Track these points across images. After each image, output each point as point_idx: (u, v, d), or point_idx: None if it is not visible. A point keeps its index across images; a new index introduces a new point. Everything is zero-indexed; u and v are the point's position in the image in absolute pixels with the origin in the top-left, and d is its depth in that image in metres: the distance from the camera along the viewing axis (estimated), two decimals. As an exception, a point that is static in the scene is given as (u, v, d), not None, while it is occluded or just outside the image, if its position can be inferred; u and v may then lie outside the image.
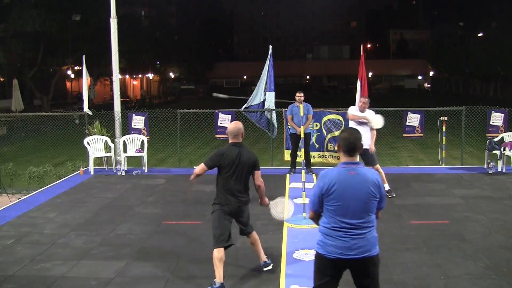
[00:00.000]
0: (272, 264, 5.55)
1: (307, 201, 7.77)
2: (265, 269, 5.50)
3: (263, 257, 5.54)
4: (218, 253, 5.05)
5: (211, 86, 75.12)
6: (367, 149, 8.71)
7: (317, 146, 11.64)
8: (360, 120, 8.77)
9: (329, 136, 11.63)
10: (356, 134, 3.78)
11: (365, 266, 3.69)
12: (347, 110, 9.22)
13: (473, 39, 57.32)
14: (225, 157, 5.13)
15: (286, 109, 11.05)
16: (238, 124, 5.34)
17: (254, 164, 5.23)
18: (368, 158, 8.77)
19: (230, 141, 5.28)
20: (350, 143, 3.71)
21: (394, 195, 8.78)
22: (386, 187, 8.74)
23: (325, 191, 3.64)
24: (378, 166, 8.76)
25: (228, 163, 5.13)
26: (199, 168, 5.18)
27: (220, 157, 5.14)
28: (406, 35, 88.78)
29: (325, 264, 3.72)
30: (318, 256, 3.77)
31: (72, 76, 41.36)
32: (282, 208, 5.89)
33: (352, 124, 8.88)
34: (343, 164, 3.72)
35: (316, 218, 3.83)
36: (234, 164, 5.14)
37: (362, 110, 8.89)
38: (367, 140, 8.64)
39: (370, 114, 8.88)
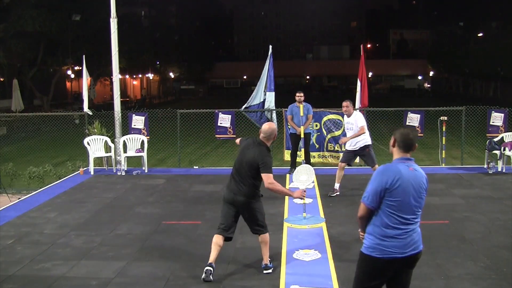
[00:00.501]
0: (272, 269, 5.54)
1: (307, 201, 7.78)
2: (264, 271, 5.51)
3: (266, 260, 5.55)
4: (216, 238, 5.39)
5: (211, 86, 75.19)
6: (366, 149, 8.72)
7: (317, 146, 11.65)
8: (347, 127, 8.87)
9: (329, 136, 11.63)
10: (415, 132, 3.80)
11: (414, 262, 3.75)
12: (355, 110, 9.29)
13: (473, 39, 57.32)
14: (243, 143, 5.43)
15: (286, 109, 11.06)
16: (272, 125, 5.40)
17: (256, 166, 5.21)
18: (368, 159, 8.79)
19: (265, 142, 5.36)
20: (410, 139, 3.71)
21: None
22: None
23: (389, 186, 3.61)
24: (377, 166, 8.74)
25: (240, 150, 5.40)
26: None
27: (243, 140, 5.49)
28: (406, 35, 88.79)
29: (378, 267, 3.68)
30: (370, 259, 3.68)
31: (72, 76, 41.36)
32: (306, 177, 6.47)
33: (347, 132, 8.94)
34: (401, 160, 3.71)
35: (366, 216, 3.72)
36: (241, 154, 5.35)
37: (348, 115, 8.81)
38: (359, 141, 8.68)
39: (357, 116, 8.78)
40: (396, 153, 3.76)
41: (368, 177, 9.52)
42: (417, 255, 3.73)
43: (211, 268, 5.28)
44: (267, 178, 5.20)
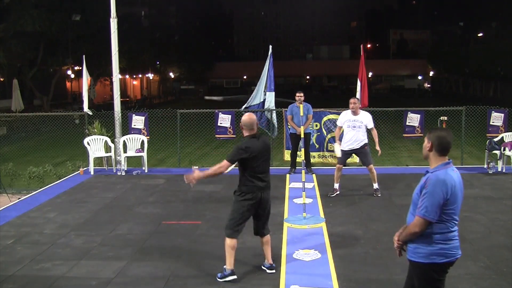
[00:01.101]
0: (274, 270, 5.55)
1: (307, 201, 7.79)
2: (268, 271, 5.55)
3: (269, 260, 5.58)
4: (232, 242, 5.28)
5: (211, 86, 75.17)
6: (365, 147, 8.72)
7: (317, 146, 11.65)
8: (353, 125, 8.70)
9: (329, 136, 11.63)
10: (450, 133, 3.72)
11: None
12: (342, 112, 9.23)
13: (473, 39, 57.31)
14: (252, 151, 5.19)
15: (286, 109, 11.05)
16: (252, 115, 5.42)
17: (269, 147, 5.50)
18: (365, 157, 8.79)
19: (246, 134, 5.32)
20: (448, 142, 3.66)
21: (380, 195, 8.83)
22: (375, 186, 8.86)
23: (449, 196, 3.53)
24: (372, 166, 8.79)
25: (256, 155, 5.22)
26: (224, 166, 5.18)
27: (244, 151, 5.18)
28: (406, 35, 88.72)
29: (444, 270, 3.69)
30: (434, 266, 3.62)
31: (72, 76, 41.36)
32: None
33: (345, 128, 8.81)
34: (445, 165, 3.64)
35: (425, 230, 3.56)
36: (262, 155, 5.28)
37: (354, 113, 8.73)
38: (362, 140, 8.67)
39: (364, 115, 8.77)
40: (435, 158, 3.67)
41: (367, 177, 9.52)
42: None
43: (236, 277, 5.30)
44: None
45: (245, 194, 5.25)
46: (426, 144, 3.70)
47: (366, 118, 8.71)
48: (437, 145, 3.63)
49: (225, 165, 5.19)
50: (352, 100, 8.75)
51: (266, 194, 5.35)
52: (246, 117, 5.35)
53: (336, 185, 8.93)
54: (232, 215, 5.32)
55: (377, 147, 8.75)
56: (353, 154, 9.20)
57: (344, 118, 8.80)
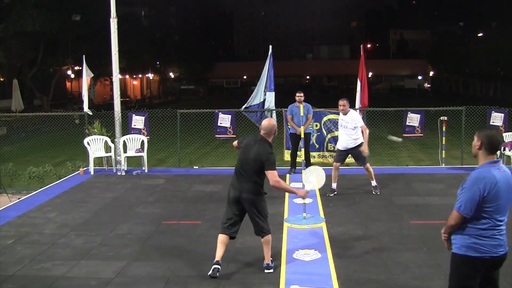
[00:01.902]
0: (273, 269, 5.56)
1: (307, 201, 7.78)
2: (266, 271, 5.54)
3: (268, 259, 5.57)
4: (221, 237, 5.44)
5: (211, 86, 75.17)
6: (357, 147, 8.69)
7: (317, 146, 11.65)
8: (341, 124, 8.85)
9: (329, 136, 11.63)
10: (500, 131, 3.82)
11: (502, 262, 3.75)
12: (355, 110, 9.29)
13: (473, 39, 57.28)
14: (244, 141, 5.40)
15: (286, 109, 11.06)
16: (272, 122, 5.43)
17: (261, 163, 5.23)
18: (360, 157, 8.80)
19: (266, 138, 5.41)
20: (497, 141, 3.70)
21: (379, 192, 8.88)
22: (373, 183, 8.92)
23: (487, 194, 3.59)
24: (368, 165, 8.82)
25: (242, 148, 5.38)
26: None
27: (242, 140, 5.46)
28: (406, 35, 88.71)
29: (475, 267, 3.69)
30: (465, 259, 3.70)
31: (72, 76, 41.36)
32: (315, 178, 6.73)
33: (340, 129, 8.93)
34: (491, 164, 3.68)
35: (460, 223, 3.70)
36: (243, 152, 5.35)
37: (344, 113, 8.79)
38: (354, 139, 8.67)
39: (355, 115, 8.84)
40: (483, 156, 3.71)
41: (367, 177, 9.54)
42: (505, 256, 3.74)
43: (218, 266, 5.36)
44: (272, 176, 5.21)
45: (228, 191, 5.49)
46: (476, 142, 3.77)
47: (351, 117, 8.75)
48: (486, 144, 3.70)
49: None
50: (341, 102, 8.81)
51: (246, 196, 5.30)
52: (266, 122, 5.43)
53: (334, 185, 8.94)
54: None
55: (363, 147, 8.67)
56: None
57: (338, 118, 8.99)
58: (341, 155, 8.99)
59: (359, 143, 8.71)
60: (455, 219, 3.68)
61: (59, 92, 41.69)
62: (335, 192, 8.92)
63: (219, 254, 5.40)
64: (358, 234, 6.85)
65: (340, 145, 8.94)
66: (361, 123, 8.78)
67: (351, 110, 8.93)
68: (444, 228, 3.83)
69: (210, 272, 5.34)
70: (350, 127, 8.69)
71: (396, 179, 10.05)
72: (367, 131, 8.84)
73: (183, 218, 7.74)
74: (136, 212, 8.14)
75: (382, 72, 74.40)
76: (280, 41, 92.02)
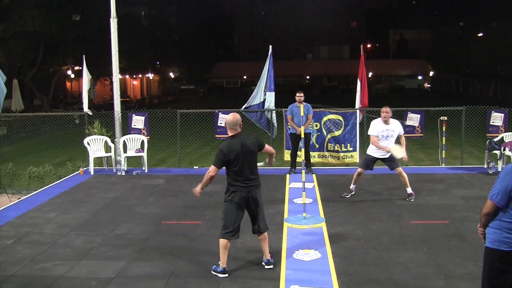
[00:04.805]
0: (273, 265, 5.63)
1: (307, 201, 7.79)
2: (266, 266, 5.61)
3: (267, 255, 5.65)
4: (224, 242, 5.44)
5: (211, 86, 75.17)
6: (391, 156, 8.50)
7: (317, 146, 11.64)
8: (384, 134, 8.43)
9: (329, 136, 11.62)
10: None
11: None
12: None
13: (473, 39, 57.28)
14: (231, 152, 5.36)
15: (286, 109, 11.06)
16: (236, 115, 5.56)
17: (257, 146, 5.54)
18: (393, 162, 8.53)
19: (229, 133, 5.51)
20: None
21: (413, 199, 8.52)
22: (408, 190, 8.57)
23: None
24: (400, 168, 8.54)
25: (235, 156, 5.37)
26: (212, 171, 5.39)
27: (227, 155, 5.36)
28: (406, 35, 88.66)
29: (505, 261, 3.73)
30: (497, 253, 3.74)
31: (72, 76, 41.37)
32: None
33: (382, 140, 8.46)
34: None
35: (492, 213, 3.77)
36: (241, 155, 5.38)
37: (386, 121, 8.48)
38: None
39: (395, 124, 8.54)
40: None
41: (370, 177, 9.55)
42: None
43: (226, 275, 5.44)
44: (268, 147, 5.76)
45: (230, 194, 5.44)
46: None
47: (396, 126, 8.51)
48: None
49: (213, 170, 5.41)
50: (384, 109, 8.44)
51: (253, 193, 5.44)
52: (230, 116, 5.52)
53: (352, 187, 8.80)
54: (222, 215, 5.54)
55: (403, 154, 8.36)
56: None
57: (379, 127, 8.46)
58: (370, 161, 8.61)
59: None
60: (488, 208, 3.77)
61: (59, 92, 41.72)
62: (353, 193, 8.82)
63: (224, 260, 5.45)
64: (358, 234, 6.85)
65: (377, 153, 8.52)
66: (402, 131, 8.58)
67: (393, 119, 8.59)
68: (479, 221, 3.89)
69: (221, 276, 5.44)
70: (395, 136, 8.44)
71: (396, 179, 10.02)
72: (403, 138, 8.65)
73: (183, 218, 7.74)
74: (136, 212, 8.14)
75: (382, 72, 74.38)
76: (280, 41, 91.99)
